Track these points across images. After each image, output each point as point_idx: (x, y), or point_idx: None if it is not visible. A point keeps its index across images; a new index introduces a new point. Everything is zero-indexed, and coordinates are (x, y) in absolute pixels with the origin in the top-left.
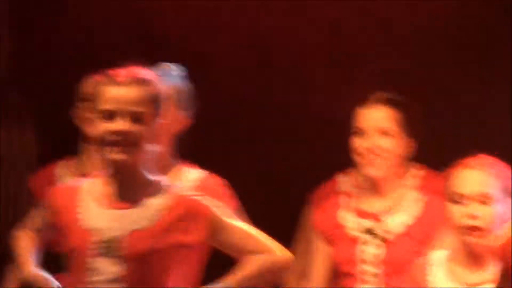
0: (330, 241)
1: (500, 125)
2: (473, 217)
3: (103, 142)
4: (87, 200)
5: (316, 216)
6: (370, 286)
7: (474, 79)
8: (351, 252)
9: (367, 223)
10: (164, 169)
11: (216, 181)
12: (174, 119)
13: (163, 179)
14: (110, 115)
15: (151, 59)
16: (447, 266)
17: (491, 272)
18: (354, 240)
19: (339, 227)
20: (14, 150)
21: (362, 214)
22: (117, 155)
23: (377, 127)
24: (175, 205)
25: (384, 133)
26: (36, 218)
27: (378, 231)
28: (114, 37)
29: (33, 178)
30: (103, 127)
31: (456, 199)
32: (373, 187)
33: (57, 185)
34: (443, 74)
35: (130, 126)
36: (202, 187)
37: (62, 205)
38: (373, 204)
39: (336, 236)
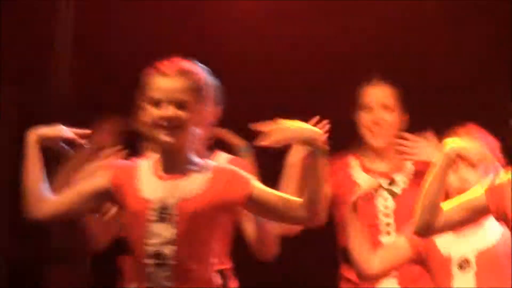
0: (342, 198)
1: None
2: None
3: (153, 126)
4: (144, 174)
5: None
6: (391, 237)
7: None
8: (371, 208)
9: (380, 180)
10: (200, 156)
11: (240, 163)
12: (208, 113)
13: (206, 159)
14: (158, 103)
15: None
16: None
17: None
18: (370, 197)
19: (353, 185)
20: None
21: (373, 172)
22: (165, 137)
23: (381, 102)
24: (216, 176)
25: (386, 107)
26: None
27: (388, 187)
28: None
29: None
30: (152, 113)
31: None
32: (376, 154)
33: (115, 163)
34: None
35: (175, 112)
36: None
37: (123, 179)
38: (380, 166)
39: (350, 194)
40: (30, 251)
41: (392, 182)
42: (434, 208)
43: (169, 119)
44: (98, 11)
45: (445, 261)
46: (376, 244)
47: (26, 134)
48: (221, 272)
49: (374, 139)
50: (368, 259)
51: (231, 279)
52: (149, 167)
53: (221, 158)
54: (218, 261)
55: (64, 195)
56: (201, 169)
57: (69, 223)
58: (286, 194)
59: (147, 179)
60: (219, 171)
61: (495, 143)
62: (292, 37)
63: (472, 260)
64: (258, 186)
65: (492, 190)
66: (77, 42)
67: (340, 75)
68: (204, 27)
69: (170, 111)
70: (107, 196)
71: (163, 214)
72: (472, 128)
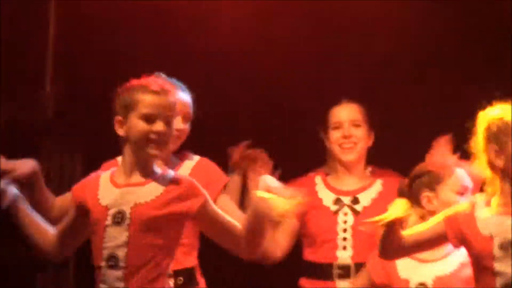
0: (305, 214)
1: None
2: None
3: (142, 139)
4: (104, 184)
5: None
6: (347, 252)
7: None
8: (329, 223)
9: (342, 198)
10: (166, 162)
11: (208, 163)
12: (184, 131)
13: (167, 170)
14: (149, 118)
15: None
16: None
17: (445, 247)
18: (330, 213)
19: (316, 201)
20: (65, 177)
21: (337, 191)
22: (153, 151)
23: (350, 119)
24: (172, 186)
25: (356, 124)
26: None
27: (350, 204)
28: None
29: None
30: (144, 127)
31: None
32: (346, 170)
33: (77, 185)
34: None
35: (164, 127)
36: (198, 168)
37: (85, 195)
38: (345, 183)
39: (313, 209)
40: (13, 259)
41: (355, 200)
42: (390, 239)
43: (160, 134)
44: (79, 23)
45: (404, 286)
46: (332, 258)
47: None
48: (184, 272)
49: (344, 154)
50: None
51: (196, 278)
52: (109, 177)
53: (188, 163)
54: (177, 263)
55: (60, 234)
56: (159, 178)
57: None
58: (235, 222)
59: (106, 188)
60: (175, 182)
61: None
62: (281, 37)
63: (430, 285)
64: (209, 206)
65: (451, 218)
66: (58, 56)
67: (330, 75)
68: (187, 29)
69: (160, 126)
70: (84, 215)
71: (118, 218)
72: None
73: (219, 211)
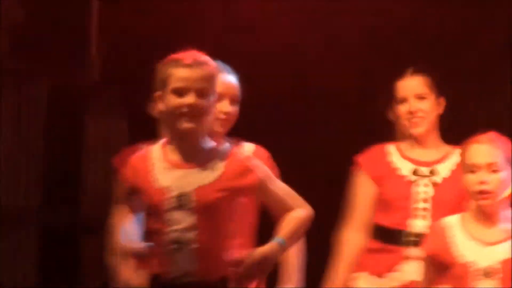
0: (380, 182)
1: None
2: (483, 182)
3: (174, 114)
4: (158, 163)
5: (365, 162)
6: (426, 221)
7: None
8: (405, 191)
9: (418, 168)
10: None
11: (263, 152)
12: (233, 113)
13: (222, 143)
14: (180, 92)
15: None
16: (463, 227)
17: (503, 229)
18: (407, 181)
19: (392, 170)
20: (109, 139)
21: (412, 160)
22: (187, 124)
23: (415, 93)
24: (231, 164)
25: (421, 97)
26: (119, 194)
27: (428, 174)
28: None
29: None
30: (175, 101)
31: (470, 169)
32: (419, 142)
33: (126, 163)
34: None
35: (196, 99)
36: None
37: (137, 169)
38: (421, 154)
39: (388, 178)
40: (62, 219)
41: (433, 171)
42: None
43: (191, 107)
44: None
45: (464, 270)
46: (403, 225)
47: None
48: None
49: (414, 128)
50: None
51: None
52: (161, 155)
53: (245, 148)
54: (243, 240)
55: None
56: (216, 154)
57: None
58: (288, 195)
59: (162, 168)
60: (234, 157)
61: (510, 145)
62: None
63: (496, 269)
64: (267, 180)
65: None
66: (102, 27)
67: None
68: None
69: (192, 99)
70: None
71: (181, 201)
72: (490, 134)
73: (274, 187)
